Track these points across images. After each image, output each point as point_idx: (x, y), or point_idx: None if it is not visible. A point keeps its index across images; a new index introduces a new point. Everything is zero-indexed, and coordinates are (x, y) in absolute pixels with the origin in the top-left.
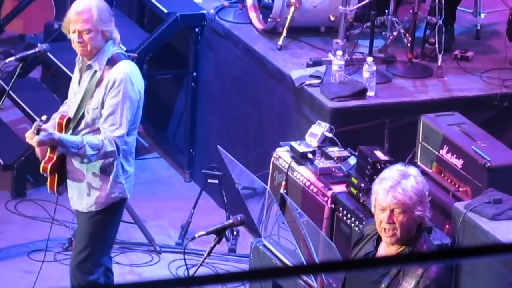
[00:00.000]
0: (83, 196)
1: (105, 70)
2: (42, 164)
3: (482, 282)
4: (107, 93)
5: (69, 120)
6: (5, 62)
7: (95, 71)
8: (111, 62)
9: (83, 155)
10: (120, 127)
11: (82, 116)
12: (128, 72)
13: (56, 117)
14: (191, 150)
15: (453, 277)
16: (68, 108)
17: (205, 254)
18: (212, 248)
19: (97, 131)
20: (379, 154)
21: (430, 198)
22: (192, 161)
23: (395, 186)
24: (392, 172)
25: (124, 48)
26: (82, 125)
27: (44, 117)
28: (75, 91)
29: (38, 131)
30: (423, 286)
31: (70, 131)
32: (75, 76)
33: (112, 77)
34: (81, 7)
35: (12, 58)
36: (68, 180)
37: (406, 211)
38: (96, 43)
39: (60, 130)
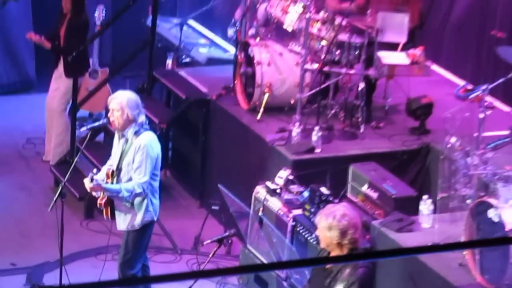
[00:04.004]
0: (125, 220)
1: (133, 138)
2: (98, 201)
3: (390, 273)
4: (135, 153)
5: (113, 171)
6: (80, 130)
7: (127, 139)
8: (137, 133)
9: (121, 197)
10: (144, 176)
11: (120, 169)
12: (149, 139)
13: (105, 169)
14: (201, 187)
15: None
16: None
17: (210, 255)
18: (215, 251)
19: (130, 178)
20: (323, 189)
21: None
22: (202, 194)
23: (318, 214)
24: (329, 207)
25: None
26: (121, 174)
27: (94, 170)
28: (115, 151)
29: (91, 179)
30: (351, 282)
31: (115, 178)
32: (115, 140)
33: (138, 143)
34: (116, 95)
35: (84, 128)
36: (115, 210)
37: (320, 231)
38: (122, 121)
39: (107, 178)
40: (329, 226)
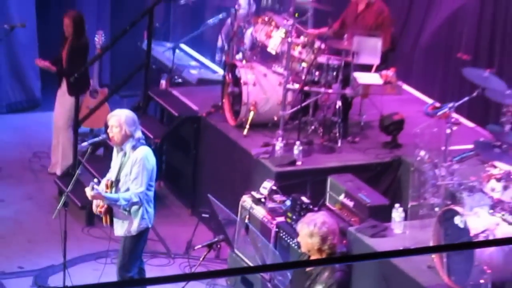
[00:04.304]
0: (123, 226)
1: (131, 152)
2: (98, 209)
3: (366, 275)
4: (132, 166)
5: (111, 182)
6: (81, 145)
7: (125, 152)
8: (134, 147)
9: (119, 205)
10: (141, 186)
11: (119, 180)
12: (145, 153)
13: (105, 180)
14: (193, 197)
15: (349, 274)
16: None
17: (201, 259)
18: (205, 255)
19: (128, 189)
20: (304, 199)
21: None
22: (193, 203)
23: (300, 222)
24: (310, 215)
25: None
26: (119, 185)
27: (95, 180)
28: (114, 164)
29: (92, 188)
30: (329, 284)
31: (114, 189)
32: (114, 154)
33: (135, 156)
34: (116, 113)
35: (85, 143)
36: (114, 218)
37: (301, 238)
38: (120, 136)
39: (107, 188)
40: (310, 233)
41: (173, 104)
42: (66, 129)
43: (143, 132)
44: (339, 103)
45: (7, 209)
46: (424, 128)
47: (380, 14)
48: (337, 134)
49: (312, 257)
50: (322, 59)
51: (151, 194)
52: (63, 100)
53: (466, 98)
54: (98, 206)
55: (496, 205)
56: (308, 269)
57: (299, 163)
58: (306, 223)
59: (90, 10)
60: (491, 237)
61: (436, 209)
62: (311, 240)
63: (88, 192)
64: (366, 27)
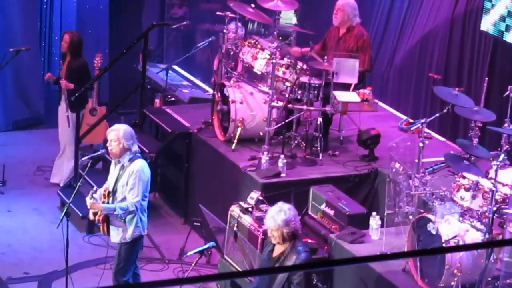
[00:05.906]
0: (118, 234)
1: (127, 164)
2: (96, 218)
3: (346, 278)
4: (129, 177)
5: (109, 192)
6: (82, 159)
7: (123, 165)
8: (131, 160)
9: (117, 214)
10: (137, 196)
11: (116, 190)
12: (141, 165)
13: (102, 190)
14: (185, 207)
15: (330, 278)
16: (108, 184)
17: (193, 264)
18: (197, 261)
19: (124, 198)
20: None
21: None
22: (186, 212)
23: (270, 218)
24: (274, 208)
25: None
26: (116, 194)
27: (95, 188)
28: (112, 175)
29: (91, 197)
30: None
31: (111, 198)
32: (112, 166)
33: (132, 168)
34: (114, 128)
35: (86, 157)
36: (110, 225)
37: (277, 230)
38: (118, 150)
39: (104, 198)
40: (285, 222)
41: (166, 121)
42: (71, 143)
43: (139, 147)
44: (320, 120)
45: (13, 219)
46: (398, 142)
47: (360, 37)
48: (319, 148)
49: (279, 246)
50: (304, 79)
51: (145, 204)
52: (64, 117)
53: (437, 114)
54: (96, 214)
55: (465, 213)
56: (275, 254)
57: (283, 175)
58: (276, 215)
59: (90, 34)
60: (461, 243)
61: (410, 217)
62: (287, 228)
63: (88, 201)
64: (348, 50)
